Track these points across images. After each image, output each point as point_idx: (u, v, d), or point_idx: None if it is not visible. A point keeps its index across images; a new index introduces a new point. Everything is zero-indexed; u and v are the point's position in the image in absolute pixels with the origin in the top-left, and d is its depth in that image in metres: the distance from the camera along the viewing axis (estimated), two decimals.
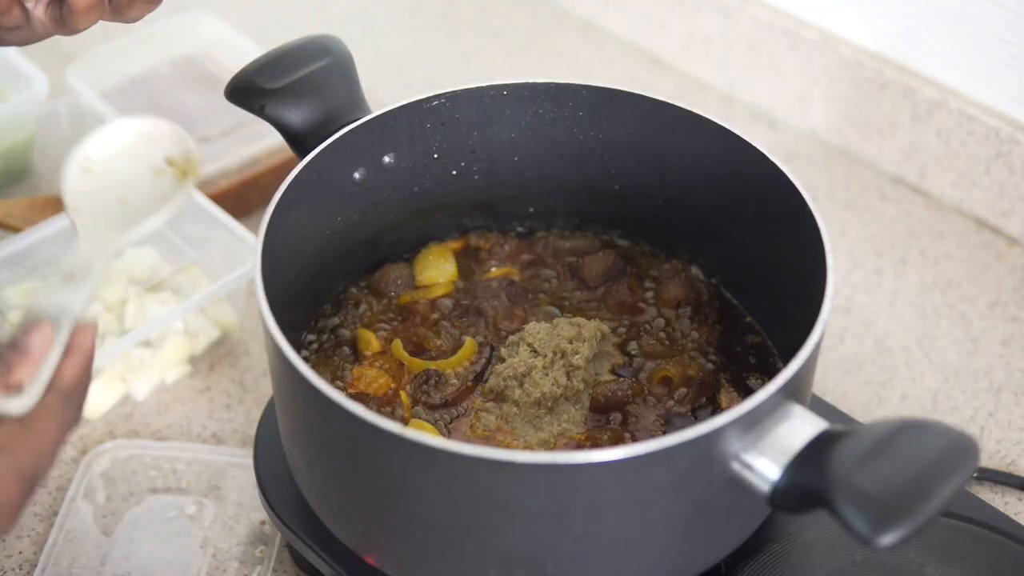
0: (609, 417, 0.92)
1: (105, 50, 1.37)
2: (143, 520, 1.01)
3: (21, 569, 0.98)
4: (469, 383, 0.94)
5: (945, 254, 1.25)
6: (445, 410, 0.93)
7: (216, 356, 1.16)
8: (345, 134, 0.93)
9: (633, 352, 0.97)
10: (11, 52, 1.31)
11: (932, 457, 0.69)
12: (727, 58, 1.44)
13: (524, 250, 1.06)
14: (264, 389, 1.13)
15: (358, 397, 0.93)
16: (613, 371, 0.96)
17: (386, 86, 1.43)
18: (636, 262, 1.05)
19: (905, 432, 0.70)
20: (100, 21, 0.90)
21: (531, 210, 1.07)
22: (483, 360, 0.96)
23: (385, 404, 0.93)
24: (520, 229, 1.08)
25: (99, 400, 1.10)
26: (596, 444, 0.90)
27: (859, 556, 0.89)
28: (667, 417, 0.92)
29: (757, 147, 0.92)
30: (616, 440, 0.90)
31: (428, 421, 0.92)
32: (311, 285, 0.98)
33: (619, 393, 0.92)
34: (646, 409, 0.93)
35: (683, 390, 0.94)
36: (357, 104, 0.97)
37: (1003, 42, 1.23)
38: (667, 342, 0.98)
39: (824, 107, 1.37)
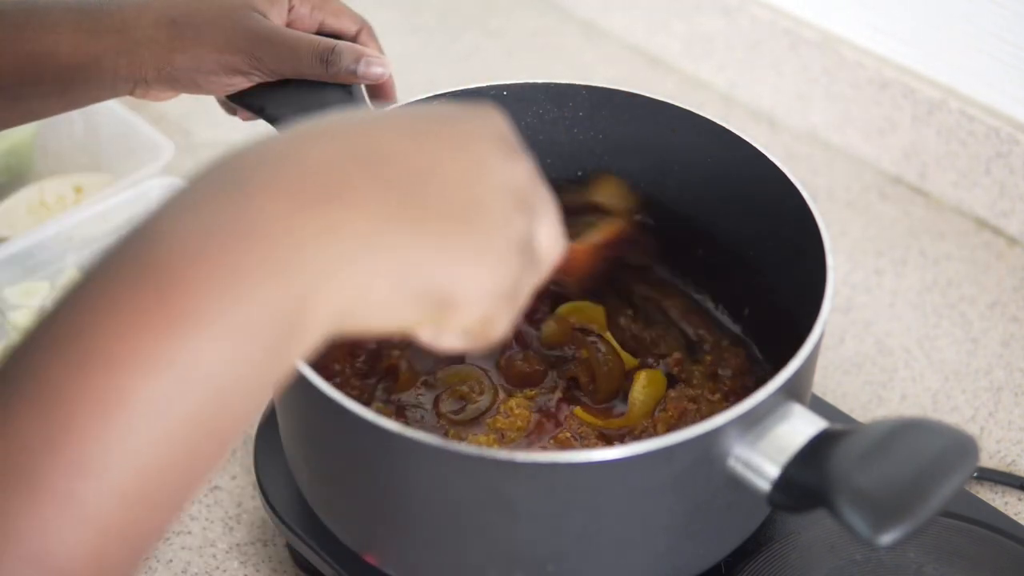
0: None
1: None
2: None
3: None
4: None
5: (945, 254, 1.25)
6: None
7: None
8: None
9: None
10: None
11: (932, 457, 0.69)
12: (727, 58, 1.44)
13: None
14: None
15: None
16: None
17: None
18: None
19: (905, 432, 0.70)
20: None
21: None
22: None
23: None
24: None
25: None
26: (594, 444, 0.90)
27: (859, 556, 0.89)
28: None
29: (757, 147, 0.92)
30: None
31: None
32: None
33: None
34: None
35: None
36: (357, 104, 0.97)
37: (1003, 42, 1.23)
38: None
39: (824, 107, 1.37)
